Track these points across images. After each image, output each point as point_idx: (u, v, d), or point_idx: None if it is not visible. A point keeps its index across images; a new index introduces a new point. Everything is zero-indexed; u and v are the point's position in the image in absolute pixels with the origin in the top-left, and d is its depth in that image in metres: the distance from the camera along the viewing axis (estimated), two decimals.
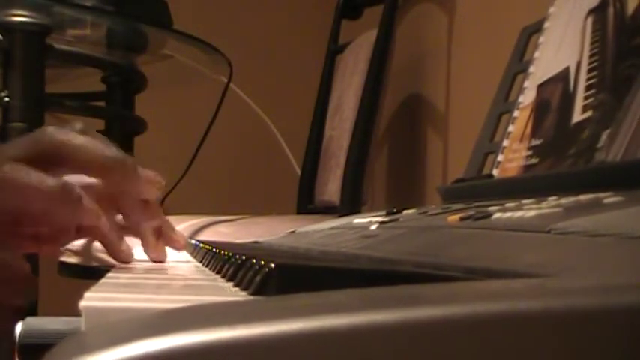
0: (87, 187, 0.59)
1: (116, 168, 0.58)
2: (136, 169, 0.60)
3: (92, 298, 0.33)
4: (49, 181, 0.55)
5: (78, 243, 0.71)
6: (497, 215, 0.50)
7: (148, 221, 0.64)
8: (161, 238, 0.66)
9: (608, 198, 0.43)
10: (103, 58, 1.79)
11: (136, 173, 0.60)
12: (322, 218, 1.42)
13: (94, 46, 1.74)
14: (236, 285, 0.41)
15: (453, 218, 0.56)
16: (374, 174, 1.86)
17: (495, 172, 0.84)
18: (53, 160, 0.56)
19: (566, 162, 0.68)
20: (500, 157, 0.84)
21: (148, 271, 0.59)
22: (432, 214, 0.66)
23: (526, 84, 0.84)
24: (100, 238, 0.64)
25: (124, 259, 0.65)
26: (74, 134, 0.58)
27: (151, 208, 0.64)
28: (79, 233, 0.65)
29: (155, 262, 0.66)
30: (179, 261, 0.66)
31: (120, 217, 0.66)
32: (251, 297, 0.36)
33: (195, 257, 0.70)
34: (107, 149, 0.59)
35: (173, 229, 0.67)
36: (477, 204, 0.64)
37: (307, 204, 1.87)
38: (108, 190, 0.61)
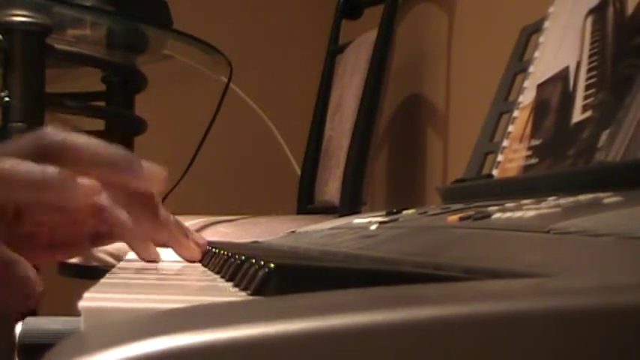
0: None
1: (119, 163, 0.58)
2: (140, 162, 0.60)
3: (91, 299, 0.33)
4: (37, 168, 0.54)
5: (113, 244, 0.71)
6: (496, 215, 0.50)
7: (158, 226, 0.64)
8: (187, 236, 0.66)
9: (608, 198, 0.43)
10: (103, 58, 1.79)
11: (141, 167, 0.59)
12: (322, 218, 1.42)
13: (94, 46, 1.74)
14: (236, 285, 0.41)
15: (453, 218, 0.56)
16: (374, 174, 1.86)
17: (495, 172, 0.84)
18: (55, 158, 0.56)
19: (566, 162, 0.68)
20: (500, 157, 0.84)
21: (147, 271, 0.59)
22: (431, 214, 0.66)
23: (526, 84, 0.84)
24: (124, 239, 0.63)
25: (152, 257, 0.64)
26: (75, 134, 0.58)
27: (160, 220, 0.64)
28: (97, 239, 0.65)
29: (189, 261, 0.66)
30: (178, 261, 0.66)
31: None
32: (251, 297, 0.36)
33: None
34: (108, 146, 0.58)
35: (185, 233, 0.67)
36: (476, 204, 0.64)
37: (307, 204, 1.87)
38: (116, 186, 0.61)
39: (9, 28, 1.48)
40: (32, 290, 0.54)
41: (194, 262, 0.66)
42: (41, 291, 0.55)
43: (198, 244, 0.67)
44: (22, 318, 0.47)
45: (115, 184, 0.60)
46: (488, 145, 0.91)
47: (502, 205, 0.56)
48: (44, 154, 0.56)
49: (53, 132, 0.57)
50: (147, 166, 0.60)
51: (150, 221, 0.64)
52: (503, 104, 0.92)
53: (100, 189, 0.56)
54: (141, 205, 0.63)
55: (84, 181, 0.55)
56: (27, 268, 0.54)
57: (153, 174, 0.60)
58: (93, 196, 0.56)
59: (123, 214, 0.62)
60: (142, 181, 0.59)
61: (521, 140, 0.80)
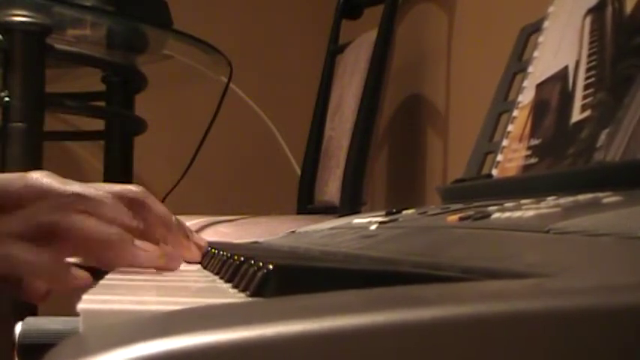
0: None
1: (110, 245, 0.59)
2: (132, 241, 0.60)
3: (90, 301, 0.33)
4: (31, 256, 0.56)
5: None
6: (496, 215, 0.50)
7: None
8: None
9: (608, 198, 0.43)
10: (103, 58, 1.79)
11: (133, 247, 0.60)
12: (322, 218, 1.41)
13: (94, 46, 1.74)
14: (235, 286, 0.41)
15: (453, 218, 0.56)
16: (374, 174, 1.86)
17: (495, 172, 0.84)
18: (48, 238, 0.58)
19: (566, 161, 0.68)
20: (499, 157, 0.84)
21: (146, 273, 0.59)
22: (431, 214, 0.66)
23: (525, 83, 0.84)
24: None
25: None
26: (69, 215, 0.59)
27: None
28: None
29: (190, 262, 0.66)
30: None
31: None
32: (250, 298, 0.36)
33: None
34: (100, 225, 0.59)
35: (186, 234, 0.67)
36: (476, 204, 0.64)
37: (307, 204, 1.87)
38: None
39: (9, 28, 1.47)
40: (40, 285, 0.56)
41: (194, 262, 0.66)
42: (48, 288, 0.57)
43: (198, 246, 0.67)
44: (22, 318, 0.47)
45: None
46: (488, 144, 0.91)
47: (502, 205, 0.56)
48: (41, 232, 0.58)
49: (49, 212, 0.58)
50: (141, 244, 0.60)
51: (149, 220, 0.65)
52: (503, 104, 0.92)
53: (89, 280, 0.58)
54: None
55: (78, 273, 0.57)
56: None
57: (146, 253, 0.60)
58: (83, 285, 0.58)
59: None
60: (135, 261, 0.60)
61: (520, 140, 0.80)
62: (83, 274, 0.58)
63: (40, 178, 0.60)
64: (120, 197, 0.62)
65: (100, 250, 0.59)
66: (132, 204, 0.63)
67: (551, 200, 0.51)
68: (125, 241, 0.59)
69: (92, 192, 0.61)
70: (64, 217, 0.58)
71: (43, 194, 0.59)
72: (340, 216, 1.29)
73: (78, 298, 0.32)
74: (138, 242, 0.60)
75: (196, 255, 0.66)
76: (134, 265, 0.59)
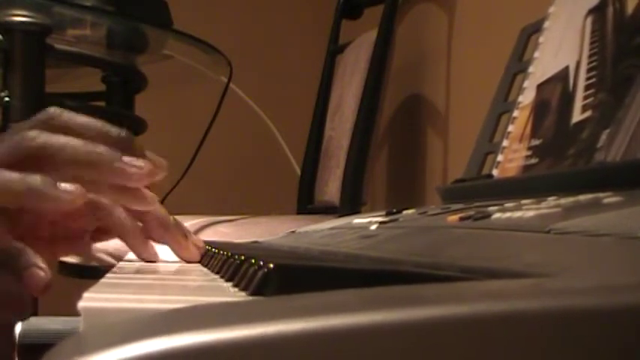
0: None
1: (98, 163, 0.58)
2: (120, 158, 0.59)
3: (91, 299, 0.33)
4: (16, 177, 0.55)
5: (112, 244, 0.71)
6: (496, 215, 0.50)
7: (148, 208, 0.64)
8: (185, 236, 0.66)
9: (608, 198, 0.43)
10: (103, 58, 1.79)
11: (121, 163, 0.59)
12: (322, 218, 1.42)
13: (94, 46, 1.74)
14: (235, 285, 0.41)
15: (453, 218, 0.56)
16: (374, 174, 1.86)
17: (495, 172, 0.84)
18: (38, 162, 0.57)
19: (566, 162, 0.68)
20: (499, 157, 0.84)
21: (146, 271, 0.59)
22: (431, 214, 0.66)
23: (526, 84, 0.84)
24: (120, 235, 0.64)
25: (150, 256, 0.65)
26: (54, 136, 0.58)
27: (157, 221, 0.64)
28: (98, 234, 0.65)
29: (187, 262, 0.66)
30: (178, 261, 0.66)
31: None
32: (250, 297, 0.36)
33: None
34: (87, 145, 0.58)
35: (184, 234, 0.67)
36: (476, 204, 0.64)
37: (307, 204, 1.87)
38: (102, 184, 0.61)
39: (9, 28, 1.47)
40: (39, 278, 0.55)
41: (193, 262, 0.66)
42: (49, 280, 0.56)
43: (197, 246, 0.67)
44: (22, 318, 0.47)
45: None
46: (488, 145, 0.91)
47: (502, 205, 0.56)
48: (26, 158, 0.57)
49: (33, 135, 0.58)
50: (130, 160, 0.59)
51: (146, 219, 0.64)
52: (503, 104, 0.92)
53: (84, 194, 0.56)
54: (135, 200, 0.63)
55: (67, 187, 0.56)
56: (33, 256, 0.55)
57: (137, 169, 0.59)
58: (77, 201, 0.56)
59: (120, 212, 0.63)
60: (124, 179, 0.59)
61: (521, 140, 0.80)
62: (76, 190, 0.56)
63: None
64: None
65: (90, 170, 0.58)
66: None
67: (551, 200, 0.51)
68: (113, 158, 0.58)
69: (79, 116, 0.60)
70: (50, 139, 0.57)
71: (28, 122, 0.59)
72: (340, 216, 1.29)
73: (79, 298, 0.32)
74: (127, 159, 0.59)
75: (195, 255, 0.66)
76: (125, 182, 0.59)
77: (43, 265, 0.55)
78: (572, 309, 0.21)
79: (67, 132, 0.59)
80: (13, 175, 0.55)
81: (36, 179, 0.55)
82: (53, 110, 0.60)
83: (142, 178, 0.59)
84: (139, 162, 0.59)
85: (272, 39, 2.45)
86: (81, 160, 0.57)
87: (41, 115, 0.60)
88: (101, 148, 0.58)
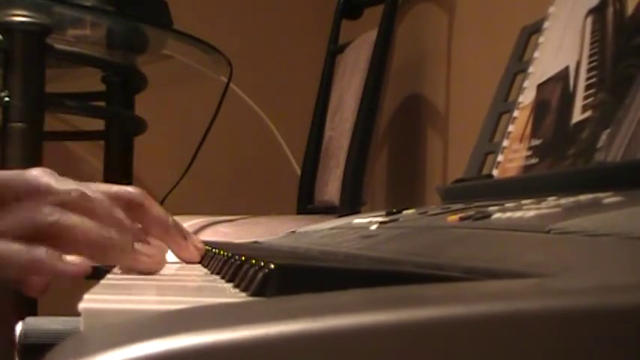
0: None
1: (110, 248, 0.58)
2: (132, 246, 0.59)
3: (91, 300, 0.33)
4: (24, 250, 0.56)
5: None
6: (496, 215, 0.50)
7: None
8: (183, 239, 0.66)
9: (608, 198, 0.43)
10: (103, 58, 1.79)
11: (133, 251, 0.59)
12: (322, 218, 1.42)
13: (94, 46, 1.74)
14: (236, 286, 0.41)
15: (453, 218, 0.56)
16: (374, 174, 1.86)
17: (495, 172, 0.84)
18: (45, 239, 0.57)
19: (566, 162, 0.68)
20: (500, 157, 0.84)
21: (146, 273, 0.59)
22: (431, 214, 0.66)
23: (526, 84, 0.84)
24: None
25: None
26: (67, 214, 0.58)
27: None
28: None
29: (186, 262, 0.66)
30: (178, 262, 0.66)
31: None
32: (251, 298, 0.36)
33: None
34: (101, 229, 0.58)
35: (183, 235, 0.67)
36: (476, 204, 0.64)
37: (307, 204, 1.87)
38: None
39: (9, 28, 1.47)
40: (38, 279, 0.55)
41: (192, 263, 0.66)
42: (47, 282, 0.57)
43: (196, 247, 0.67)
44: (22, 318, 0.47)
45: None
46: (488, 145, 0.91)
47: (502, 205, 0.56)
48: (37, 234, 0.57)
49: (48, 212, 0.58)
50: (141, 248, 0.59)
51: (146, 220, 0.64)
52: (503, 104, 0.92)
53: (88, 267, 0.57)
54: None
55: (72, 259, 0.57)
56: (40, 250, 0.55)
57: (147, 257, 0.59)
58: (80, 274, 0.57)
59: (119, 214, 0.62)
60: (134, 265, 0.59)
61: (521, 140, 0.80)
62: (79, 260, 0.57)
63: (38, 175, 0.60)
64: (117, 198, 0.62)
65: (100, 253, 0.58)
66: (129, 205, 0.63)
67: (551, 200, 0.51)
68: (126, 245, 0.59)
69: (89, 192, 0.60)
70: (63, 217, 0.58)
71: (41, 192, 0.59)
72: (340, 216, 1.29)
73: (79, 298, 0.32)
74: (138, 246, 0.59)
75: (194, 255, 0.66)
76: (134, 269, 0.59)
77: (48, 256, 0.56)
78: (573, 309, 0.21)
79: (86, 212, 0.59)
80: (18, 247, 0.56)
81: (41, 252, 0.56)
82: (75, 193, 0.60)
83: (152, 266, 0.59)
84: (151, 250, 0.60)
85: (272, 39, 2.45)
86: (92, 242, 0.58)
87: (61, 196, 0.59)
88: (113, 234, 0.58)
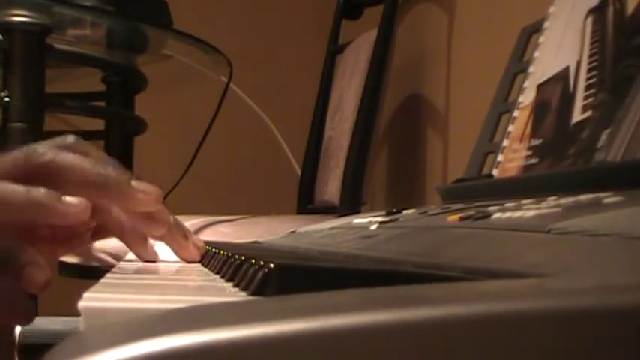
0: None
1: (107, 186, 0.58)
2: (130, 183, 0.59)
3: (91, 299, 0.33)
4: (21, 190, 0.55)
5: (111, 244, 0.71)
6: (496, 215, 0.50)
7: (153, 228, 0.64)
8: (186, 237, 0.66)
9: (608, 198, 0.43)
10: (103, 58, 1.79)
11: (130, 188, 0.59)
12: (322, 218, 1.42)
13: (94, 46, 1.74)
14: (235, 285, 0.41)
15: (453, 218, 0.56)
16: (374, 174, 1.86)
17: (495, 172, 0.84)
18: (44, 179, 0.56)
19: (566, 162, 0.68)
20: (500, 157, 0.84)
21: (147, 271, 0.59)
22: (431, 214, 0.66)
23: (526, 84, 0.84)
24: (119, 235, 0.64)
25: (149, 256, 0.65)
26: (63, 153, 0.58)
27: (154, 217, 0.64)
28: (97, 234, 0.65)
29: (187, 262, 0.66)
30: (178, 261, 0.66)
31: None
32: (250, 297, 0.36)
33: None
34: (97, 166, 0.58)
35: (184, 234, 0.67)
36: (476, 204, 0.64)
37: (307, 204, 1.87)
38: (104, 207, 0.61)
39: (9, 28, 1.47)
40: (39, 276, 0.55)
41: (193, 262, 0.66)
42: (48, 277, 0.56)
43: (196, 246, 0.67)
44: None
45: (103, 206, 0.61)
46: (488, 145, 0.91)
47: (502, 205, 0.56)
48: (33, 174, 0.56)
49: (43, 151, 0.57)
50: (138, 186, 0.59)
51: (145, 218, 0.64)
52: (503, 104, 0.92)
53: (88, 208, 0.56)
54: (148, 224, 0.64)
55: (71, 200, 0.56)
56: (33, 254, 0.54)
57: (145, 194, 0.59)
58: (82, 216, 0.56)
59: (119, 212, 0.63)
60: (131, 204, 0.59)
61: (521, 140, 0.80)
62: (78, 201, 0.56)
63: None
64: None
65: (98, 192, 0.58)
66: None
67: (551, 200, 0.51)
68: (123, 182, 0.58)
69: (95, 150, 0.61)
70: (59, 156, 0.57)
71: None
72: (340, 216, 1.29)
73: (79, 298, 0.32)
74: (134, 183, 0.59)
75: (195, 254, 0.66)
76: (132, 208, 0.59)
77: (42, 262, 0.55)
78: (573, 309, 0.21)
79: (82, 154, 0.59)
80: (16, 188, 0.55)
81: (39, 192, 0.55)
82: (70, 138, 0.60)
83: (150, 203, 0.59)
84: (148, 187, 0.59)
85: (272, 39, 2.45)
86: (89, 181, 0.57)
87: (57, 140, 0.59)
88: (110, 171, 0.58)
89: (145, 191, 0.59)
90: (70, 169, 0.57)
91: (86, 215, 0.56)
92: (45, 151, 0.57)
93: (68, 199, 0.56)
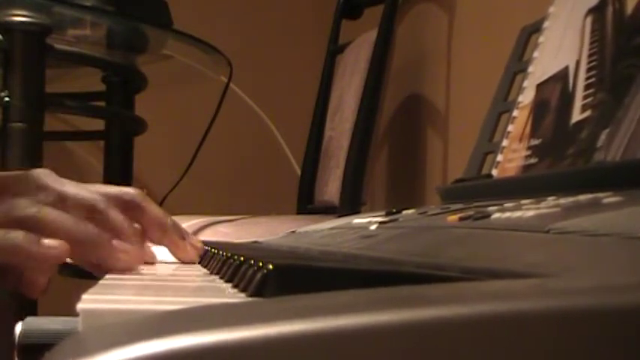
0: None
1: (86, 242, 0.58)
2: (110, 242, 0.59)
3: (90, 300, 0.33)
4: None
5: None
6: (496, 215, 0.50)
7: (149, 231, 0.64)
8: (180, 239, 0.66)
9: (608, 198, 0.43)
10: (103, 58, 1.79)
11: (110, 246, 0.59)
12: (322, 218, 1.41)
13: (94, 46, 1.74)
14: (235, 286, 0.41)
15: (453, 218, 0.56)
16: (374, 174, 1.86)
17: (495, 172, 0.84)
18: (28, 228, 0.57)
19: (566, 162, 0.68)
20: (499, 157, 0.84)
21: (145, 273, 0.59)
22: (431, 214, 0.66)
23: (525, 83, 0.84)
24: (117, 237, 0.64)
25: (147, 258, 0.65)
26: (46, 208, 0.58)
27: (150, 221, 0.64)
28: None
29: (184, 262, 0.66)
30: (176, 262, 0.66)
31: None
32: (250, 298, 0.36)
33: None
34: (79, 223, 0.58)
35: (181, 235, 0.67)
36: (476, 204, 0.64)
37: (307, 204, 1.87)
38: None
39: (9, 28, 1.47)
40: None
41: (190, 263, 0.66)
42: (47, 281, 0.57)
43: (194, 247, 0.67)
44: (22, 318, 0.47)
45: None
46: (488, 145, 0.91)
47: (502, 205, 0.56)
48: (15, 225, 0.57)
49: (26, 204, 0.58)
50: (119, 245, 0.59)
51: (143, 220, 0.64)
52: (503, 104, 0.92)
53: (67, 250, 0.57)
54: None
55: (50, 243, 0.56)
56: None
57: (125, 254, 0.59)
58: (61, 257, 0.57)
59: (116, 214, 0.63)
60: (110, 262, 0.59)
61: (520, 140, 0.80)
62: (57, 243, 0.56)
63: (39, 175, 0.60)
64: (115, 199, 0.62)
65: (76, 247, 0.58)
66: (127, 206, 0.63)
67: (551, 200, 0.51)
68: (102, 240, 0.58)
69: (84, 193, 0.60)
70: (42, 210, 0.58)
71: (39, 189, 0.59)
72: (340, 216, 1.29)
73: (78, 298, 0.32)
74: (116, 242, 0.59)
75: (192, 256, 0.66)
76: (111, 267, 0.58)
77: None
78: (573, 309, 0.21)
79: (65, 208, 0.59)
80: None
81: (18, 235, 0.56)
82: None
83: (129, 263, 0.59)
84: (127, 247, 0.59)
85: (272, 39, 2.45)
86: (68, 236, 0.58)
87: (43, 196, 0.59)
88: (90, 228, 0.58)
89: (125, 250, 0.59)
90: (51, 223, 0.58)
91: (65, 257, 0.57)
92: (27, 204, 0.58)
93: (47, 241, 0.56)
